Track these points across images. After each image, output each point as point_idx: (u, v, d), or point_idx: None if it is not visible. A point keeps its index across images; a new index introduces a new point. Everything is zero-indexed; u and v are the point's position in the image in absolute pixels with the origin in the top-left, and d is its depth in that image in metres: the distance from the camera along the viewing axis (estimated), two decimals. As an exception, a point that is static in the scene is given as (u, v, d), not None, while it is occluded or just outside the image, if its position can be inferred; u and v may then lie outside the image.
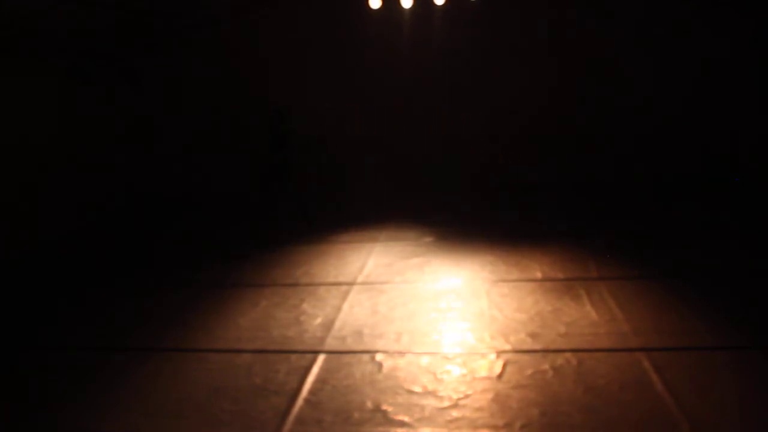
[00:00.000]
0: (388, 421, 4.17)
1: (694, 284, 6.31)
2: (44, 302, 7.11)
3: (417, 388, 4.56)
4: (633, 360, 4.75)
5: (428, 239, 8.40)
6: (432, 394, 4.47)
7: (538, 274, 6.82)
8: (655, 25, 10.12)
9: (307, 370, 4.94)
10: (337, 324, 5.82)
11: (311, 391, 4.60)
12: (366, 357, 5.13)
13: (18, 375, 5.36)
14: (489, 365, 4.88)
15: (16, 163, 8.70)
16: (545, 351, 5.04)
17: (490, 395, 4.43)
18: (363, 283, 6.90)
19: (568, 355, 4.94)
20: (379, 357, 5.10)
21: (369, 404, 4.38)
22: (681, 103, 10.35)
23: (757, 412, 3.99)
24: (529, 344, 5.18)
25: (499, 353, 5.06)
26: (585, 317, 5.58)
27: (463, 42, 10.67)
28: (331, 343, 5.44)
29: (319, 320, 5.92)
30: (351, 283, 6.89)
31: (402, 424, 4.12)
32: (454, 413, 4.21)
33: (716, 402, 4.11)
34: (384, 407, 4.32)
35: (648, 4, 10.07)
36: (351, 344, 5.41)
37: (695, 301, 5.84)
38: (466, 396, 4.42)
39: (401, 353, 5.15)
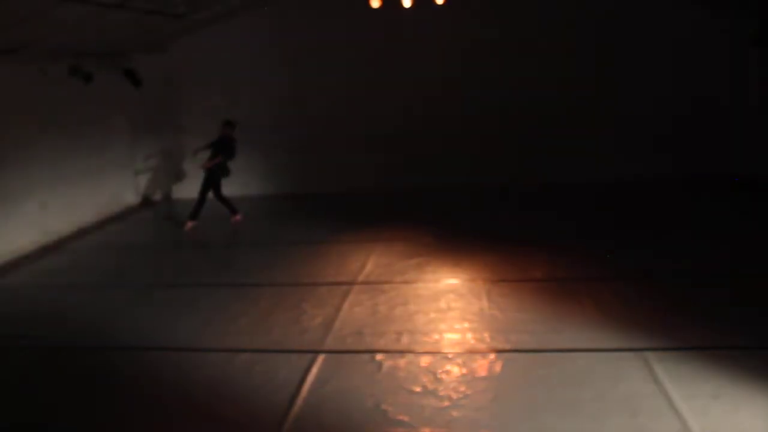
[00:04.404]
0: (388, 421, 4.16)
1: (694, 285, 6.31)
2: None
3: (417, 388, 4.55)
4: (634, 359, 4.74)
5: (428, 239, 8.40)
6: (432, 393, 4.46)
7: (539, 274, 6.82)
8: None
9: (307, 370, 4.92)
10: (337, 324, 5.81)
11: (311, 391, 4.60)
12: (366, 357, 5.12)
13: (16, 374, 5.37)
14: (489, 365, 4.87)
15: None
16: (546, 351, 5.03)
17: (490, 395, 4.43)
18: (363, 283, 6.89)
19: (568, 354, 4.93)
20: (379, 357, 5.09)
21: (369, 404, 4.37)
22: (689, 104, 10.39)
23: (756, 412, 3.98)
24: (530, 344, 5.17)
25: (500, 353, 5.05)
26: (585, 317, 5.57)
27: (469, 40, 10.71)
28: (331, 343, 5.43)
29: (319, 320, 5.92)
30: (351, 283, 6.89)
31: (402, 423, 4.12)
32: (455, 413, 4.20)
33: (716, 402, 4.11)
34: (384, 407, 4.31)
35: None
36: (351, 344, 5.41)
37: (696, 301, 5.84)
38: (466, 396, 4.41)
39: (401, 353, 5.15)
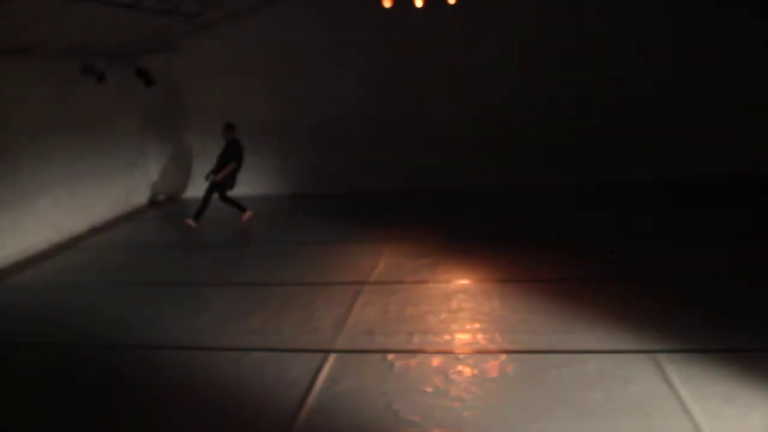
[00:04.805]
0: (399, 421, 4.16)
1: (706, 286, 6.27)
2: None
3: (428, 388, 4.55)
4: (645, 361, 4.72)
5: (439, 239, 8.39)
6: (443, 394, 4.46)
7: (549, 275, 6.80)
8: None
9: (318, 369, 4.93)
10: (349, 323, 5.82)
11: (322, 391, 4.60)
12: (377, 357, 5.12)
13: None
14: (500, 366, 4.86)
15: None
16: (557, 352, 5.01)
17: (501, 396, 4.42)
18: (374, 283, 6.90)
19: (578, 355, 4.91)
20: (390, 357, 5.09)
21: (380, 404, 4.37)
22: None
23: (761, 412, 3.96)
24: (541, 345, 5.15)
25: (511, 354, 5.04)
26: (596, 318, 5.55)
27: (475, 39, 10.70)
28: (342, 343, 5.44)
29: (330, 319, 5.93)
30: (362, 283, 6.89)
31: (413, 424, 4.12)
32: (466, 414, 4.20)
33: (729, 404, 4.09)
34: (395, 407, 4.31)
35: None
36: (362, 344, 5.41)
37: (708, 303, 5.80)
38: (478, 396, 4.41)
39: (412, 353, 5.15)
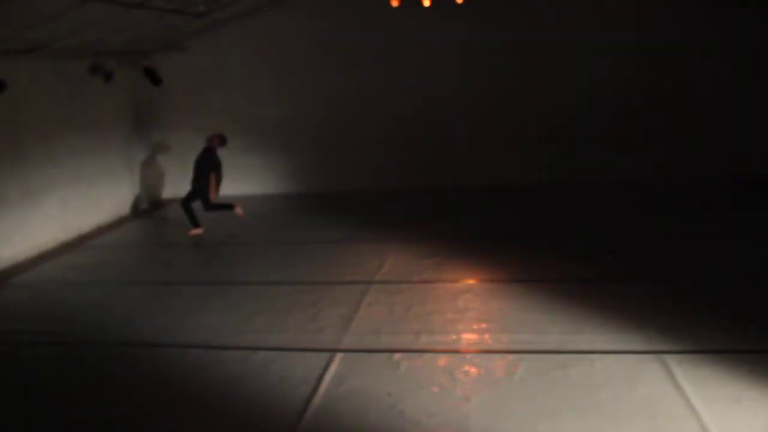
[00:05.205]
0: (405, 420, 4.15)
1: (714, 287, 6.24)
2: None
3: (434, 388, 4.54)
4: (652, 362, 4.70)
5: (445, 239, 8.38)
6: (449, 393, 4.45)
7: (554, 275, 6.78)
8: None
9: (324, 368, 4.93)
10: (355, 323, 5.82)
11: (328, 390, 4.60)
12: (383, 356, 5.11)
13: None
14: (507, 365, 4.84)
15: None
16: (564, 352, 4.99)
17: (507, 396, 4.40)
18: (380, 282, 6.89)
19: (587, 356, 4.89)
20: (396, 356, 5.08)
21: (386, 404, 4.37)
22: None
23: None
24: (548, 345, 5.14)
25: (517, 353, 5.02)
26: (604, 318, 5.53)
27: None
28: (348, 342, 5.43)
29: (336, 319, 5.92)
30: (369, 282, 6.89)
31: (419, 423, 4.11)
32: (472, 414, 4.19)
33: (737, 406, 4.07)
34: (401, 407, 4.31)
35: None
36: (368, 343, 5.40)
37: (716, 304, 5.77)
38: (484, 396, 4.40)
39: (419, 353, 5.14)
